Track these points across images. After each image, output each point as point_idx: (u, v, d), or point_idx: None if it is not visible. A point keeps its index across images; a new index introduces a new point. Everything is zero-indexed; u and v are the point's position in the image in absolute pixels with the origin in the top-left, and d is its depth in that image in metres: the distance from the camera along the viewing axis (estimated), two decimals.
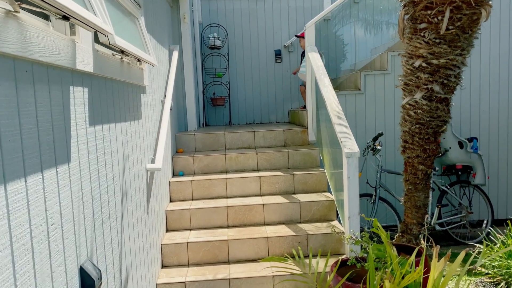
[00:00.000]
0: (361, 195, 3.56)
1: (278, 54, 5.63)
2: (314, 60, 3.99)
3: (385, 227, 3.60)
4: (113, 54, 2.13)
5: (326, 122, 3.96)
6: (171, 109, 3.68)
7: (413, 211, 2.99)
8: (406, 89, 2.89)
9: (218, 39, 5.35)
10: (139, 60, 2.58)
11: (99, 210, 1.73)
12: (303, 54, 5.04)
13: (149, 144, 2.95)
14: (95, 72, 1.68)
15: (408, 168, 3.01)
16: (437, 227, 4.17)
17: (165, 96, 3.65)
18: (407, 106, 2.88)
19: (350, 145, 3.00)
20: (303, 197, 3.65)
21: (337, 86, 4.87)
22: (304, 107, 5.03)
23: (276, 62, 5.70)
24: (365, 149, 4.14)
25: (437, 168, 4.24)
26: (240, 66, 5.68)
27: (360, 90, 4.43)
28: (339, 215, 3.42)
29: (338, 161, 3.62)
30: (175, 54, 4.11)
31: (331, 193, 3.77)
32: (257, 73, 5.71)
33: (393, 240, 3.09)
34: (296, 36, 5.20)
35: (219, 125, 5.68)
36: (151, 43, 3.12)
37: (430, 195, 4.25)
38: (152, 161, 2.97)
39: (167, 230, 3.49)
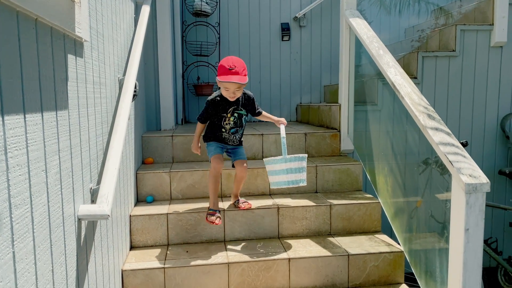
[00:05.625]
0: None
1: (285, 29, 4.19)
2: (362, 29, 2.61)
3: None
4: None
5: (385, 122, 2.62)
6: (135, 94, 2.19)
7: None
8: None
9: (206, 3, 3.85)
10: None
11: None
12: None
13: (88, 161, 1.46)
14: None
15: None
16: None
17: (125, 72, 2.16)
18: None
19: (469, 170, 1.63)
20: (349, 244, 2.26)
21: None
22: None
23: (282, 40, 4.25)
24: (425, 164, 2.79)
25: None
26: (235, 42, 4.19)
27: (415, 78, 3.08)
28: (417, 277, 2.06)
29: (416, 186, 2.31)
30: (145, 11, 2.61)
31: (390, 236, 2.41)
32: (257, 53, 4.25)
33: None
34: None
35: None
36: None
37: None
38: (93, 194, 1.49)
39: None
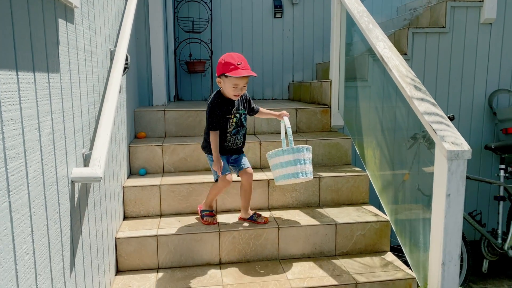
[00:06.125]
0: None
1: (278, 6, 4.18)
2: (352, 4, 2.62)
3: None
4: None
5: (374, 98, 2.66)
6: (126, 67, 2.20)
7: None
8: None
9: None
10: None
11: None
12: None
13: (80, 127, 1.49)
14: None
15: None
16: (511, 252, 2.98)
17: (116, 44, 2.17)
18: None
19: (452, 138, 1.69)
20: (337, 214, 2.33)
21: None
22: None
23: (275, 17, 4.26)
24: (413, 139, 2.85)
25: (510, 169, 3.04)
26: (227, 18, 4.19)
27: (405, 54, 3.12)
28: (402, 245, 2.14)
29: (404, 160, 2.36)
30: None
31: (379, 208, 2.48)
32: (249, 30, 4.25)
33: None
34: None
35: (196, 100, 4.21)
36: None
37: (501, 207, 3.07)
38: (86, 159, 1.52)
39: (118, 271, 2.07)
